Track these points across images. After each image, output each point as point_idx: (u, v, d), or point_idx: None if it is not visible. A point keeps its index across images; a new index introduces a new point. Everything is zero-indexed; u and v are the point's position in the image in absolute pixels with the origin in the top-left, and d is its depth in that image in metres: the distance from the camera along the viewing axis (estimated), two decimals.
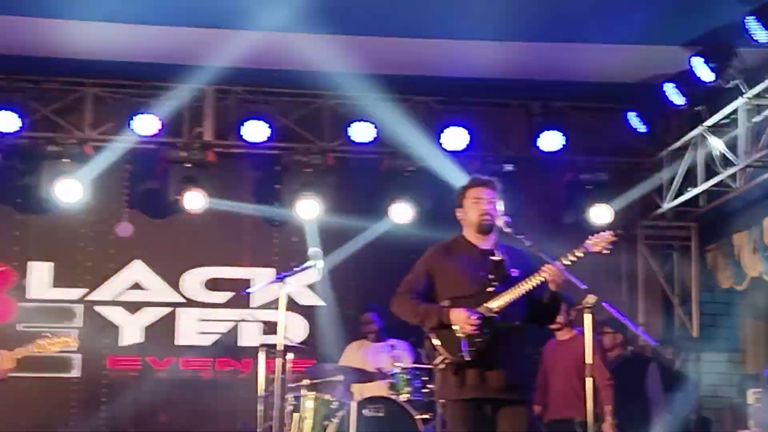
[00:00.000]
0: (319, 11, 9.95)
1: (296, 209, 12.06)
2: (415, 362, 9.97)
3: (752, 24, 9.84)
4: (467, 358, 6.46)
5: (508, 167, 12.19)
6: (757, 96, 10.73)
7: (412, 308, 6.68)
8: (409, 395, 9.52)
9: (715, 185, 11.70)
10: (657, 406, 10.43)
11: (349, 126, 12.10)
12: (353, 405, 9.34)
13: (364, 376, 10.09)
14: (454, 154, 11.98)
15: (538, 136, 12.29)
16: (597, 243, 6.48)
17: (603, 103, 12.59)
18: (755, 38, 9.90)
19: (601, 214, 12.16)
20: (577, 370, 8.80)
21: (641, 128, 12.33)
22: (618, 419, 9.36)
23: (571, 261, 6.47)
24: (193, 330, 12.39)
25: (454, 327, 6.49)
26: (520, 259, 6.66)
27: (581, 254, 6.47)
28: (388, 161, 12.31)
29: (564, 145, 12.28)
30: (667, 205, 12.59)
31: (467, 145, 12.09)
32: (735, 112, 11.02)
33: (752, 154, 10.71)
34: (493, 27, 10.55)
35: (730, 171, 11.20)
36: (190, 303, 12.42)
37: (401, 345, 10.54)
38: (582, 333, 6.96)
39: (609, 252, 6.55)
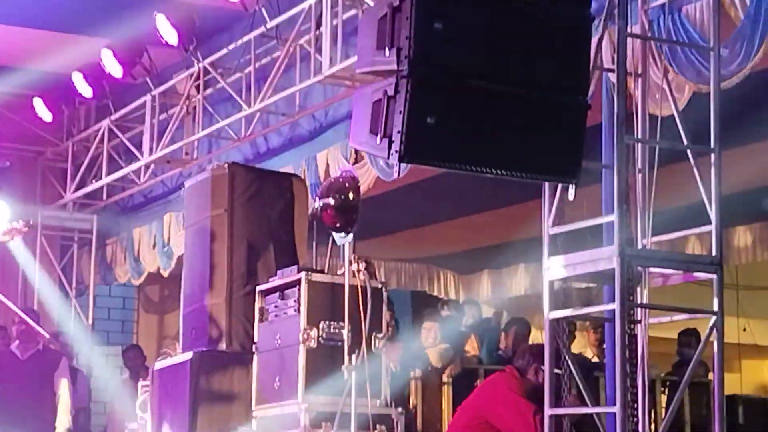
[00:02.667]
0: None
1: None
2: None
3: (162, 23, 10.03)
4: None
5: None
6: (163, 94, 10.94)
7: None
8: None
9: (118, 179, 11.77)
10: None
11: None
12: None
13: None
14: None
15: None
16: (5, 232, 6.24)
17: (8, 87, 12.21)
18: (164, 38, 10.10)
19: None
20: None
21: (47, 116, 12.13)
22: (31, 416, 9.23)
23: None
24: None
25: None
26: None
27: None
28: None
29: None
30: (70, 195, 12.48)
31: None
32: (141, 107, 11.16)
33: (156, 151, 10.90)
34: None
35: (134, 166, 11.32)
36: None
37: None
38: None
39: (11, 239, 6.32)
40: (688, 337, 9.97)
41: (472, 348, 10.75)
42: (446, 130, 5.08)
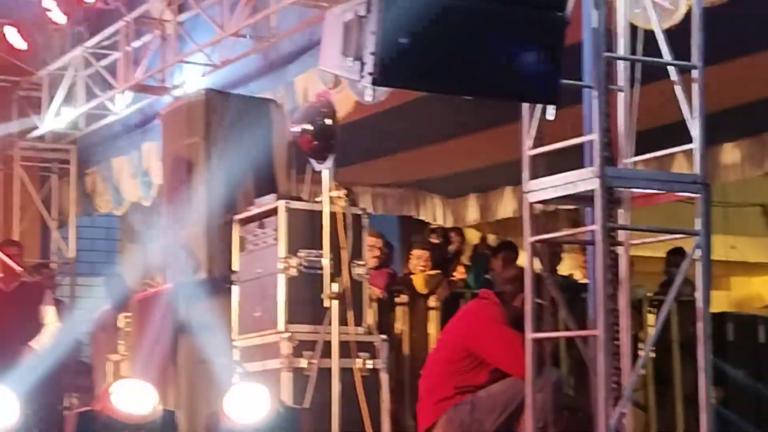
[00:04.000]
0: None
1: None
2: None
3: None
4: None
5: None
6: (137, 20, 10.70)
7: None
8: None
9: (95, 108, 11.58)
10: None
11: None
12: None
13: None
14: None
15: None
16: None
17: None
18: None
19: None
20: None
21: (21, 44, 11.91)
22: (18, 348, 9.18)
23: None
24: None
25: None
26: None
27: None
28: None
29: None
30: (47, 126, 12.29)
31: None
32: (116, 34, 10.94)
33: (131, 79, 10.70)
34: None
35: (110, 94, 11.14)
36: None
37: None
38: None
39: None
40: (677, 256, 9.87)
41: (459, 273, 10.67)
42: (420, 50, 4.91)
